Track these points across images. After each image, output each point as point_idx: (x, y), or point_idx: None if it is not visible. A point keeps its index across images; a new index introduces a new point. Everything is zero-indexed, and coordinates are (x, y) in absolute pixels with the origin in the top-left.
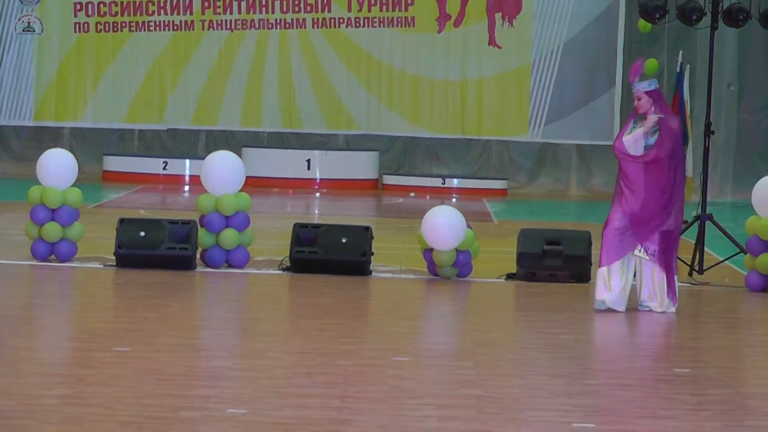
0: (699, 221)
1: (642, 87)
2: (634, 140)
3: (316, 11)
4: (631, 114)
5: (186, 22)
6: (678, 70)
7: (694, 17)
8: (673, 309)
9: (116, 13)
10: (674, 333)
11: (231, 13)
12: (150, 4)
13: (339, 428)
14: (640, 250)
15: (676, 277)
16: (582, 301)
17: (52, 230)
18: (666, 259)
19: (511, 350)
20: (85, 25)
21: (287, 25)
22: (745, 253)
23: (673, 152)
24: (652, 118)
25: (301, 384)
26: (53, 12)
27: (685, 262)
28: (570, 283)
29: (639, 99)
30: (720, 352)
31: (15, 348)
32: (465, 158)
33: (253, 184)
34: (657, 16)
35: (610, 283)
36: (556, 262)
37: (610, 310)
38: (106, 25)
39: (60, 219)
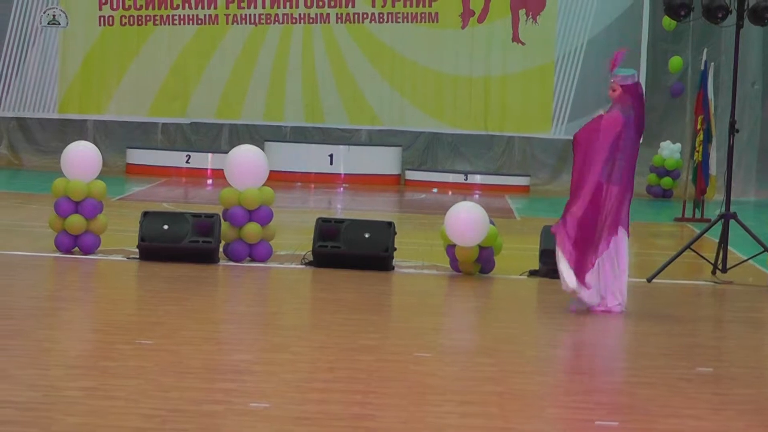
0: (723, 220)
1: (618, 79)
2: None
3: (340, 6)
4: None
5: (210, 16)
6: (702, 68)
7: (720, 15)
8: (581, 305)
9: (141, 6)
10: (697, 332)
11: (255, 7)
12: None
13: (361, 423)
14: None
15: (591, 273)
16: None
17: (76, 222)
18: (572, 246)
19: (534, 347)
20: (110, 18)
21: (311, 20)
22: None
23: (586, 138)
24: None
25: (323, 379)
26: (78, 5)
27: (708, 261)
28: None
29: (614, 90)
30: (743, 351)
31: (38, 340)
32: (488, 155)
33: (276, 178)
34: (682, 13)
35: None
36: None
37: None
38: (131, 18)
39: (84, 211)
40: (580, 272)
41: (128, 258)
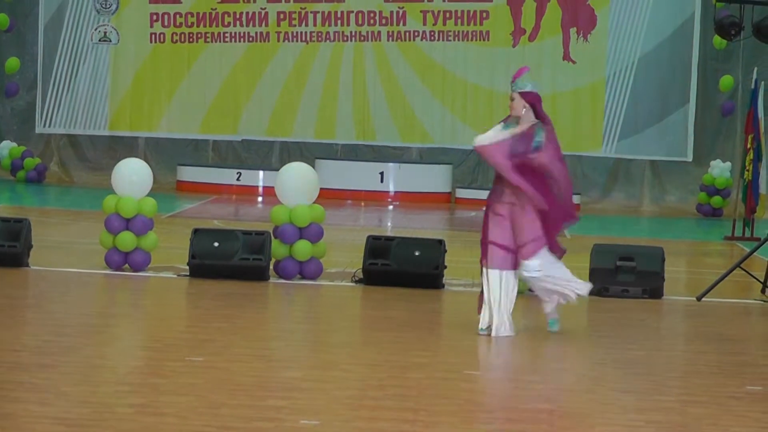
0: None
1: (517, 87)
2: (499, 141)
3: (391, 24)
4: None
5: (261, 33)
6: (753, 87)
7: None
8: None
9: (192, 23)
10: (746, 350)
11: (306, 25)
12: (226, 15)
13: None
14: (532, 270)
15: None
16: (655, 317)
17: (127, 239)
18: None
19: (583, 365)
20: (161, 35)
21: (362, 38)
22: None
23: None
24: (526, 124)
25: (373, 396)
26: (130, 22)
27: (758, 279)
28: (643, 299)
29: (512, 100)
30: None
31: (89, 356)
32: None
33: (327, 196)
34: (732, 32)
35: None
36: (628, 278)
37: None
38: (182, 35)
39: (134, 228)
40: None
41: (178, 275)
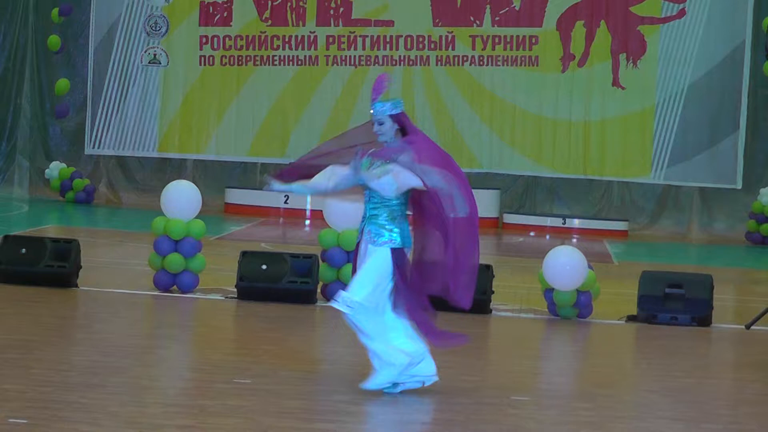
0: None
1: (385, 109)
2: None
3: (440, 49)
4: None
5: (310, 57)
6: None
7: None
8: None
9: (241, 46)
10: None
11: (355, 49)
12: (275, 38)
13: None
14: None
15: None
16: (703, 345)
17: (175, 261)
18: None
19: (631, 392)
20: (211, 58)
21: (411, 62)
22: None
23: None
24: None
25: (421, 421)
26: (179, 45)
27: None
28: (691, 326)
29: (381, 124)
30: None
31: (137, 377)
32: (586, 199)
33: None
34: None
35: None
36: (677, 305)
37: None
38: (231, 58)
39: (183, 250)
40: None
41: (226, 297)
